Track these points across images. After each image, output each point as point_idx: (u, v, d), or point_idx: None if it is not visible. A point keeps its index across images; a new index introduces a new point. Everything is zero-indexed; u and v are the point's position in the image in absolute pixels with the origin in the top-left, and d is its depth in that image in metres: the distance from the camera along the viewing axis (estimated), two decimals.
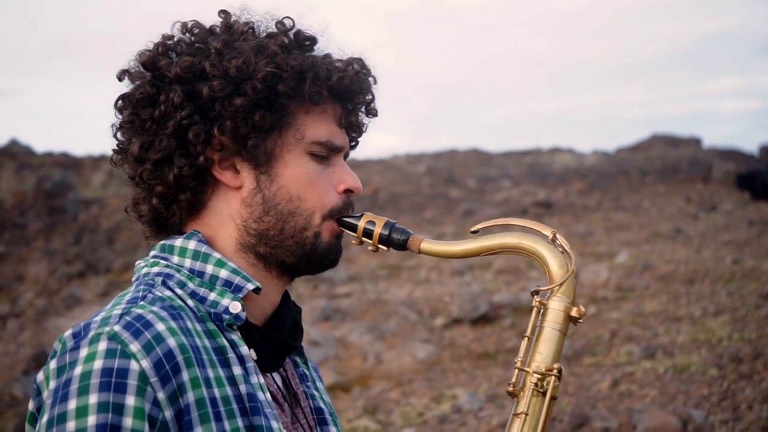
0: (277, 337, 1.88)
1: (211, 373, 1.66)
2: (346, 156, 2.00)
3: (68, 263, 12.65)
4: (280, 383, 1.91)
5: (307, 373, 2.05)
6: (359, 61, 1.94)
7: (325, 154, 1.88)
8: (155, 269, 1.81)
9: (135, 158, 1.83)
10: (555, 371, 1.82)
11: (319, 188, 1.87)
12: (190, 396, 1.61)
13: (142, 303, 1.67)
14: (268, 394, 1.75)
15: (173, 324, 1.65)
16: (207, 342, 1.70)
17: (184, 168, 1.80)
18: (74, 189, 17.93)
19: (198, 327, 1.71)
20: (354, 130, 1.98)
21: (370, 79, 1.98)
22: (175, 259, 1.82)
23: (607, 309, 9.75)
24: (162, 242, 1.86)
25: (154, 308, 1.66)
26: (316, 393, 2.03)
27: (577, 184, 21.83)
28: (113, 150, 1.91)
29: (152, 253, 1.87)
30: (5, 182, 27.81)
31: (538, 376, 1.82)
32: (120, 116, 1.88)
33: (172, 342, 1.61)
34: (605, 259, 12.29)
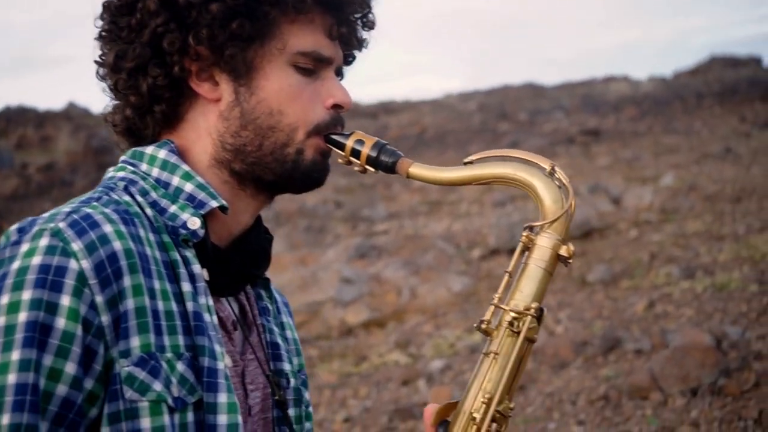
0: (237, 261, 1.79)
1: (157, 285, 1.58)
2: (340, 72, 1.88)
3: None
4: (236, 311, 1.82)
5: (270, 307, 1.94)
6: None
7: (311, 66, 1.76)
8: (120, 174, 1.72)
9: (111, 68, 1.75)
10: (532, 311, 1.69)
11: (304, 102, 1.75)
12: (130, 303, 1.52)
13: (95, 204, 1.59)
14: (215, 317, 1.66)
15: (122, 228, 1.56)
16: (158, 254, 1.61)
17: (159, 78, 1.71)
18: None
19: (151, 237, 1.62)
20: (348, 43, 1.85)
21: None
22: (144, 166, 1.72)
23: (649, 231, 9.52)
24: (134, 149, 1.76)
25: (107, 210, 1.57)
26: (275, 328, 1.92)
27: (630, 112, 21.38)
28: (95, 61, 1.82)
29: (122, 158, 1.77)
30: (62, 143, 28.19)
31: (514, 315, 1.68)
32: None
33: (117, 245, 1.53)
34: (650, 182, 12.00)
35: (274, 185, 1.80)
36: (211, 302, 1.66)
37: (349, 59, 1.92)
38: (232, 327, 1.78)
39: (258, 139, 1.74)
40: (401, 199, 12.81)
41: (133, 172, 1.72)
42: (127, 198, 1.65)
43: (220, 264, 1.73)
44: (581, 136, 16.95)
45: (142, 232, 1.60)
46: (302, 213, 11.60)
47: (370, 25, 1.89)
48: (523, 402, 5.93)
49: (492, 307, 1.72)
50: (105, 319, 1.49)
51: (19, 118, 31.02)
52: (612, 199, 11.02)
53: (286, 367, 1.89)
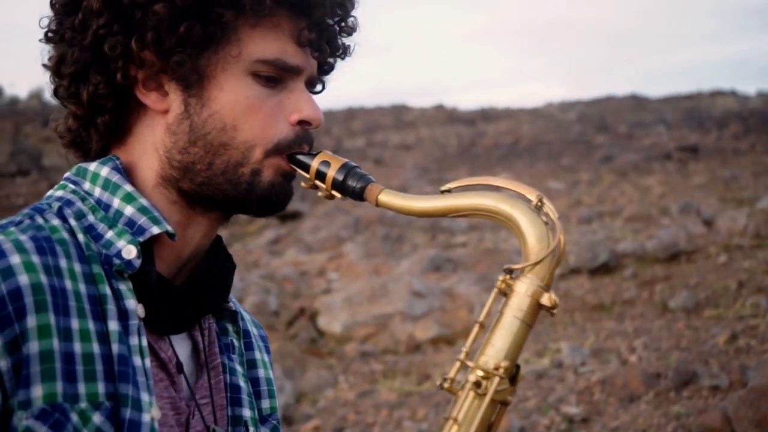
0: (185, 294, 1.61)
1: (75, 324, 1.39)
2: (314, 83, 1.69)
3: None
4: (187, 350, 1.65)
5: (236, 344, 1.76)
6: None
7: (276, 75, 1.58)
8: (59, 193, 1.57)
9: (54, 72, 1.60)
10: (501, 371, 1.46)
11: (263, 117, 1.56)
12: (34, 346, 1.34)
13: (11, 229, 1.43)
14: (147, 361, 1.47)
15: (35, 258, 1.38)
16: (83, 287, 1.43)
17: (100, 86, 1.55)
18: None
19: (77, 268, 1.44)
20: (320, 50, 1.64)
21: None
22: (86, 185, 1.56)
23: (740, 257, 9.02)
24: (79, 164, 1.61)
25: (22, 237, 1.40)
26: (238, 369, 1.74)
27: (734, 128, 20.60)
28: (43, 65, 1.66)
29: (66, 174, 1.61)
30: None
31: (481, 375, 1.47)
32: None
33: (23, 279, 1.35)
34: (746, 204, 11.44)
35: (227, 207, 1.61)
36: (144, 342, 1.47)
37: (325, 68, 1.72)
38: (175, 369, 1.58)
39: (208, 156, 1.55)
40: None
41: (73, 192, 1.55)
42: (55, 222, 1.47)
43: (164, 297, 1.55)
44: (679, 153, 16.33)
45: (63, 263, 1.42)
46: (382, 221, 11.40)
47: (348, 31, 1.69)
48: None
49: (458, 363, 1.51)
50: (3, 364, 1.31)
51: None
52: (703, 221, 10.53)
53: (246, 413, 1.70)
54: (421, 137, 21.58)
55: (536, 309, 1.51)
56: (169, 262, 1.58)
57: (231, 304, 1.77)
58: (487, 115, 28.27)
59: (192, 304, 1.62)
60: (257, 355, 1.83)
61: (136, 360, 1.44)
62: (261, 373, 1.82)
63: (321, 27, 1.62)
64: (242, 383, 1.73)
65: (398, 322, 8.13)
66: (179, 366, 1.60)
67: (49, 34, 1.61)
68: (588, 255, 8.98)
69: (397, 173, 15.36)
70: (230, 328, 1.76)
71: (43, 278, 1.37)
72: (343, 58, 1.73)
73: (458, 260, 9.44)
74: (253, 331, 1.86)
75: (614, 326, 7.59)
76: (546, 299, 1.50)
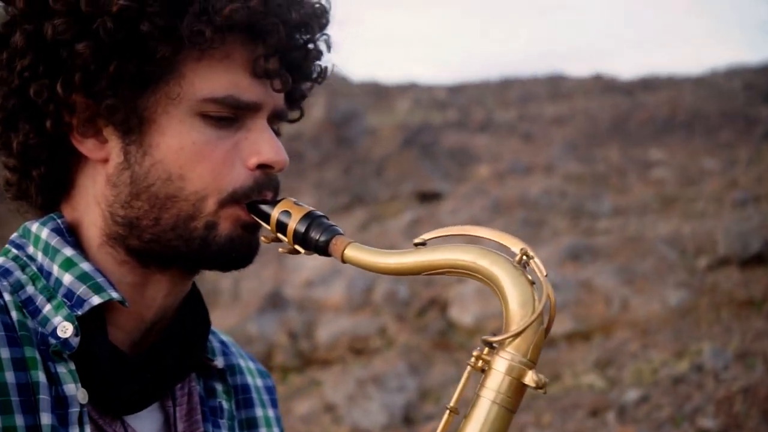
0: (143, 365, 1.44)
1: None
2: (282, 116, 1.49)
3: (335, 195, 12.67)
4: (157, 424, 1.48)
5: (225, 406, 1.58)
6: None
7: (230, 114, 1.39)
8: (0, 260, 1.42)
9: None
10: None
11: (214, 163, 1.38)
12: None
13: None
14: None
15: None
16: (11, 376, 1.27)
17: (30, 135, 1.39)
18: (361, 118, 18.01)
19: (5, 354, 1.28)
20: (282, 80, 1.43)
21: (301, 7, 1.43)
22: (30, 249, 1.42)
23: None
24: (25, 223, 1.48)
25: None
26: None
27: None
28: None
29: (12, 235, 1.47)
30: (316, 112, 28.75)
31: None
32: None
33: None
34: None
35: (184, 264, 1.43)
36: None
37: (296, 96, 1.52)
38: None
39: (154, 211, 1.38)
40: (633, 192, 11.92)
41: (14, 258, 1.40)
42: None
43: (119, 373, 1.37)
44: None
45: None
46: (523, 203, 11.03)
47: (316, 55, 1.47)
48: None
49: None
50: None
51: None
52: None
53: None
54: (575, 109, 20.90)
55: (519, 391, 1.29)
56: (128, 329, 1.43)
57: (217, 361, 1.60)
58: (647, 84, 27.16)
59: (156, 375, 1.45)
60: (258, 411, 1.66)
61: None
62: None
63: (281, 53, 1.41)
64: None
65: None
66: None
67: None
68: (739, 244, 8.40)
69: (544, 150, 14.88)
70: (219, 387, 1.59)
71: None
72: (319, 82, 1.52)
73: (598, 249, 9.00)
74: (257, 383, 1.69)
75: (763, 326, 7.05)
76: (530, 378, 1.27)
